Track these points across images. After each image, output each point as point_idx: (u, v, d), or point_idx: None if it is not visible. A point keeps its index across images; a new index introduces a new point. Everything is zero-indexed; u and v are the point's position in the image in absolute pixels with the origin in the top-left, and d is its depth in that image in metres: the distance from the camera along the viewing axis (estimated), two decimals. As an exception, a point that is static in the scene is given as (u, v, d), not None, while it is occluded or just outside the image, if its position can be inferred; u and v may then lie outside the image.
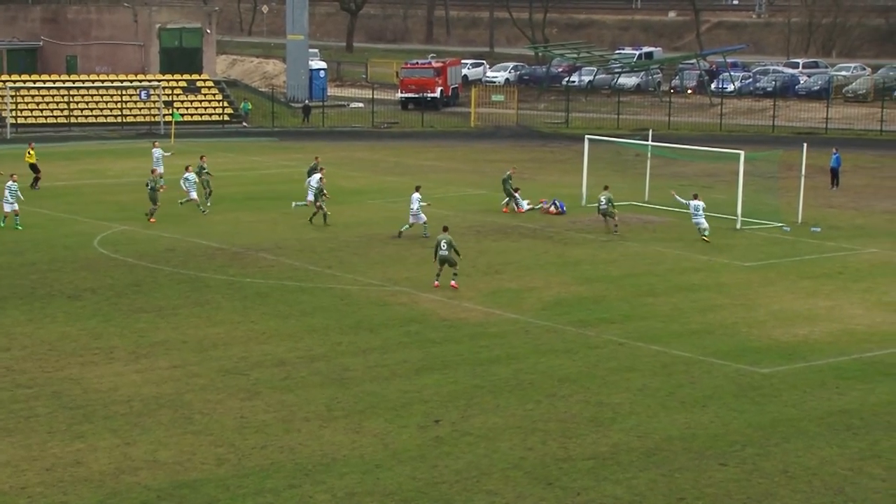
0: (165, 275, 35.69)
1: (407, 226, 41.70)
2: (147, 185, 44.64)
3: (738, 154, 44.92)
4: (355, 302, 32.68)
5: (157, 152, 53.36)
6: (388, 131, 79.51)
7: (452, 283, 33.68)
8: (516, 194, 47.36)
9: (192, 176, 45.02)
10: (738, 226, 44.09)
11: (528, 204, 47.41)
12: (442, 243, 33.59)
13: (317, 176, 45.72)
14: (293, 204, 45.35)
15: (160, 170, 52.72)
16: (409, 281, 35.11)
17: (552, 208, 47.10)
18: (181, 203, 45.17)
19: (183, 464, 21.25)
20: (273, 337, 29.16)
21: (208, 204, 46.66)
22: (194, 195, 44.94)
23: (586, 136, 51.08)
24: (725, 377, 26.46)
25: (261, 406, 24.18)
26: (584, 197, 49.05)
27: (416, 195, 41.64)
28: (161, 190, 44.29)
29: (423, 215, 41.54)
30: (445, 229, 34.35)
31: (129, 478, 20.66)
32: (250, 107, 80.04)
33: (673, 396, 25.07)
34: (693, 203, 42.25)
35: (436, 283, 33.80)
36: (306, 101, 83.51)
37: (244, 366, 26.83)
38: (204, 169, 47.43)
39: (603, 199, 42.95)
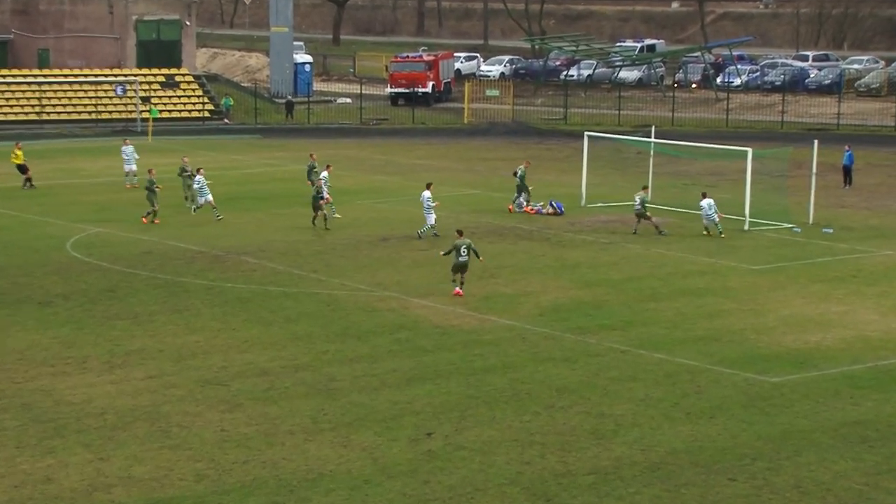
0: (142, 280, 35.55)
1: (432, 226, 41.70)
2: (147, 185, 44.56)
3: (746, 151, 44.86)
4: (342, 308, 32.56)
5: (129, 149, 53.28)
6: (377, 128, 79.39)
7: (460, 290, 33.41)
8: (521, 196, 47.16)
9: (201, 179, 44.78)
10: (746, 227, 44.03)
11: (526, 205, 47.32)
12: (462, 249, 33.24)
13: (324, 174, 45.70)
14: (333, 213, 45.04)
15: (133, 168, 52.70)
16: (399, 286, 34.99)
17: (549, 209, 47.00)
18: (195, 210, 44.85)
19: (160, 480, 21.09)
20: (255, 345, 29.03)
21: (188, 205, 46.58)
22: (205, 199, 44.53)
23: (585, 133, 51.04)
24: (733, 387, 26.36)
25: (242, 419, 24.04)
26: (583, 197, 48.99)
27: (427, 193, 41.65)
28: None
29: (432, 216, 41.45)
30: (461, 233, 33.99)
31: (103, 495, 20.50)
32: (232, 102, 79.95)
33: (678, 407, 24.96)
34: (703, 203, 42.43)
35: (457, 290, 33.47)
36: (289, 97, 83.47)
37: (224, 376, 26.70)
38: (186, 170, 47.27)
39: (637, 199, 43.07)
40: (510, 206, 47.54)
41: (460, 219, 44.41)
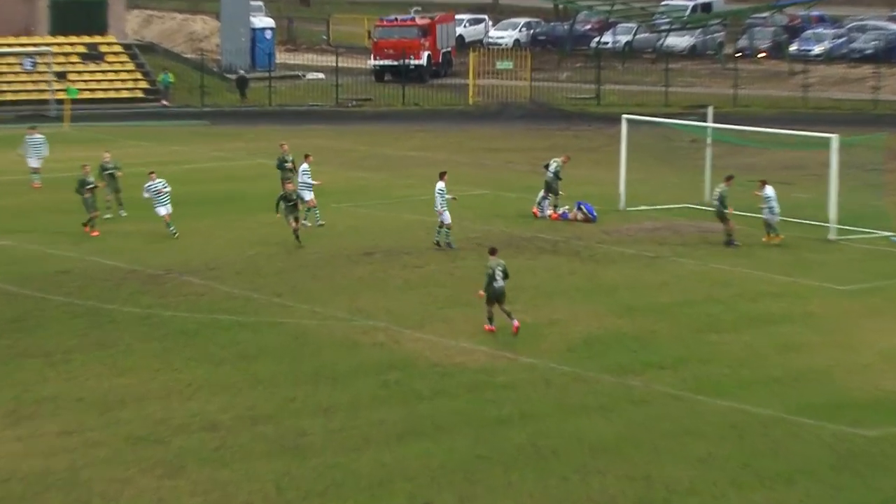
0: (57, 306, 35.43)
1: (437, 230, 41.88)
2: (77, 187, 44.06)
3: (830, 139, 44.75)
4: (314, 342, 32.45)
5: (35, 140, 53.10)
6: (358, 111, 79.28)
7: (515, 322, 32.89)
8: (548, 197, 47.01)
9: (158, 184, 43.86)
10: (832, 235, 43.94)
11: (550, 209, 47.13)
12: (497, 272, 32.78)
13: (306, 167, 45.52)
14: (317, 220, 44.90)
15: (35, 164, 52.51)
16: (387, 313, 34.85)
17: (578, 214, 46.83)
18: (171, 231, 44.22)
19: (79, 567, 20.91)
20: (202, 390, 28.89)
21: (108, 214, 46.10)
22: (162, 211, 43.80)
23: (624, 117, 50.94)
24: (818, 442, 26.23)
25: (185, 486, 23.87)
26: (621, 198, 48.84)
27: (441, 184, 41.87)
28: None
29: (447, 214, 41.65)
30: (494, 252, 33.56)
31: (5, 587, 20.30)
32: (172, 79, 79.87)
33: (748, 469, 24.84)
34: (768, 191, 42.88)
35: (490, 326, 33.03)
36: (241, 72, 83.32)
37: (163, 431, 26.54)
38: (107, 168, 46.79)
39: (717, 193, 43.17)
40: (535, 210, 47.38)
41: (464, 226, 44.26)
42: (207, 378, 29.67)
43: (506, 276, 32.97)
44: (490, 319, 33.10)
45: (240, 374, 29.91)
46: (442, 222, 41.90)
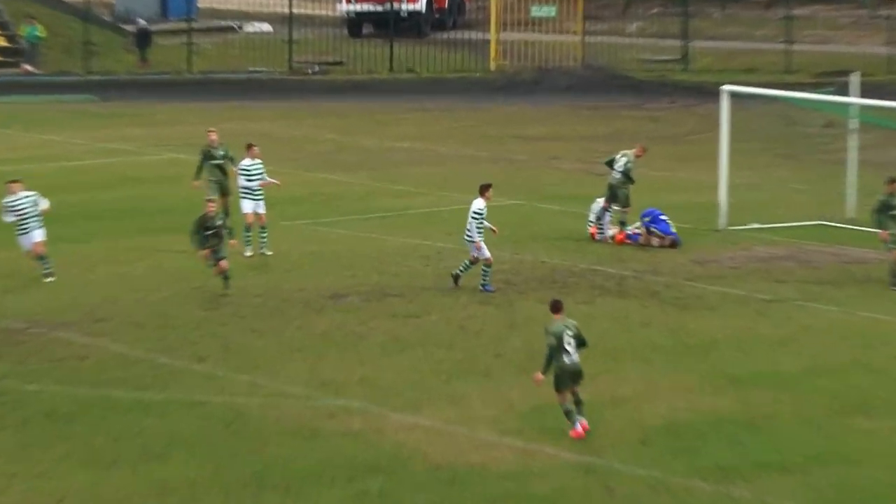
0: None
1: (465, 263, 42.44)
2: None
3: None
4: (254, 431, 32.38)
5: None
6: (323, 80, 79.54)
7: (582, 425, 32.02)
8: (611, 209, 47.23)
9: (23, 201, 43.33)
10: None
11: (611, 227, 47.24)
12: (566, 336, 32.07)
13: (249, 162, 45.68)
14: (261, 247, 45.30)
15: None
16: (365, 387, 34.82)
17: (650, 236, 46.79)
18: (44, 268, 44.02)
19: None
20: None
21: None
22: (30, 240, 43.42)
23: (724, 89, 50.88)
24: None
25: None
26: (722, 211, 48.79)
27: (479, 202, 42.18)
28: None
29: (485, 248, 42.02)
30: (558, 308, 32.75)
31: None
32: (41, 33, 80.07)
33: None
34: None
35: (582, 424, 32.24)
36: (143, 22, 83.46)
37: (22, 568, 26.40)
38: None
39: (878, 202, 43.53)
40: (592, 229, 47.56)
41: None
42: (91, 487, 29.39)
43: (581, 343, 32.35)
44: (570, 415, 32.13)
45: (141, 481, 29.64)
46: (475, 258, 41.95)
